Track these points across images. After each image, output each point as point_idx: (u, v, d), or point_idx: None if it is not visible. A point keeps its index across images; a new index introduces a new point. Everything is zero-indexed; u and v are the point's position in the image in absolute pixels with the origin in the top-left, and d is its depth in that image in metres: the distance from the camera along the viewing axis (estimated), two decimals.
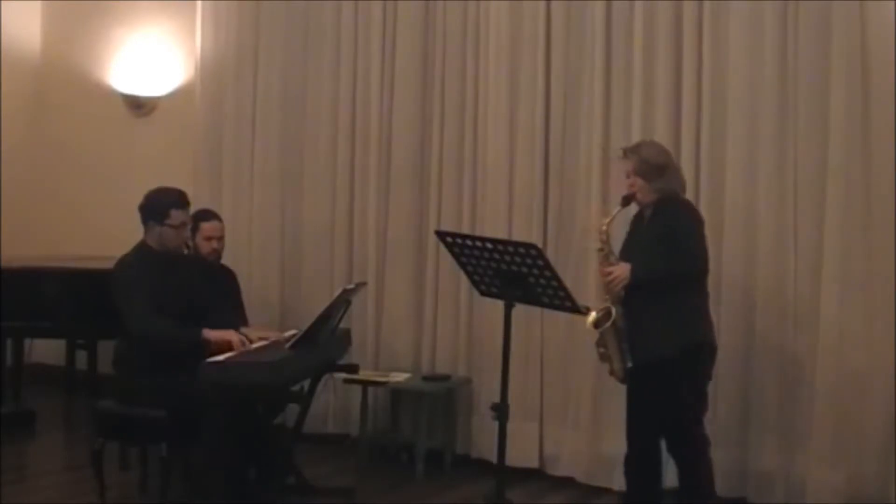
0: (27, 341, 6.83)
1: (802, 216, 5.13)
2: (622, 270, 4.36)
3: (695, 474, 4.43)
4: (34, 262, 6.45)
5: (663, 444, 4.52)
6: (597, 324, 4.40)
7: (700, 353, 4.40)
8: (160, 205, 4.86)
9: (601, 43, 5.57)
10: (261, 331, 5.22)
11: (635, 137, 5.43)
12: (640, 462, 4.53)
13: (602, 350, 4.48)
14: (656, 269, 4.30)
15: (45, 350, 7.39)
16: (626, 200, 4.51)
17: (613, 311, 4.38)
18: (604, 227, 4.50)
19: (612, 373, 4.52)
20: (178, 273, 4.90)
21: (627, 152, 4.56)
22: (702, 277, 4.42)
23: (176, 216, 4.85)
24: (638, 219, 4.58)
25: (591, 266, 5.55)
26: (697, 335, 4.38)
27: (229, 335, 4.78)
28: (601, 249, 4.49)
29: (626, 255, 4.51)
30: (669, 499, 4.64)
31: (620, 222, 4.72)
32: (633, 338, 4.40)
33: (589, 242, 5.21)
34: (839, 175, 5.00)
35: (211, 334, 4.74)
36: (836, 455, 5.00)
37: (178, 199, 4.91)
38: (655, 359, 4.32)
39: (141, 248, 4.93)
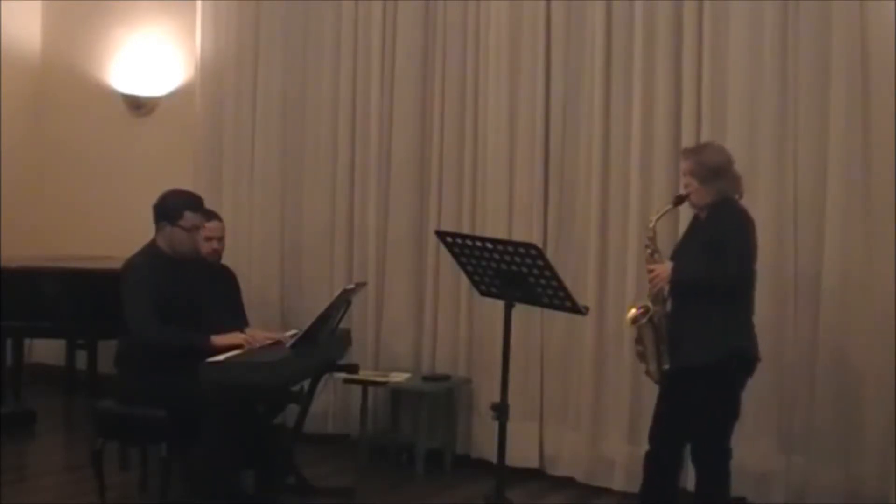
0: (27, 341, 6.84)
1: (802, 216, 5.13)
2: (663, 269, 4.32)
3: (714, 484, 4.38)
4: (34, 262, 6.45)
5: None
6: (634, 320, 4.37)
7: (733, 363, 4.31)
8: (174, 205, 4.82)
9: (601, 43, 5.57)
10: (261, 331, 5.21)
11: (635, 137, 5.45)
12: (660, 462, 4.49)
13: (640, 348, 4.43)
14: (696, 273, 4.24)
15: (45, 350, 7.40)
16: (679, 200, 4.45)
17: (652, 308, 4.36)
18: (651, 225, 4.45)
19: (647, 373, 4.47)
20: (183, 275, 4.87)
21: (686, 153, 4.51)
22: (745, 287, 4.32)
23: (189, 218, 4.81)
24: (694, 220, 4.52)
25: (591, 266, 5.57)
26: (733, 345, 4.28)
27: (237, 340, 4.77)
28: (647, 246, 4.43)
29: (676, 254, 4.47)
30: (683, 500, 4.63)
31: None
32: (673, 341, 4.35)
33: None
34: (839, 175, 5.00)
35: (219, 340, 4.71)
36: (836, 455, 5.00)
37: (193, 201, 4.88)
38: (693, 364, 4.27)
39: (149, 248, 4.89)
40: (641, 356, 4.44)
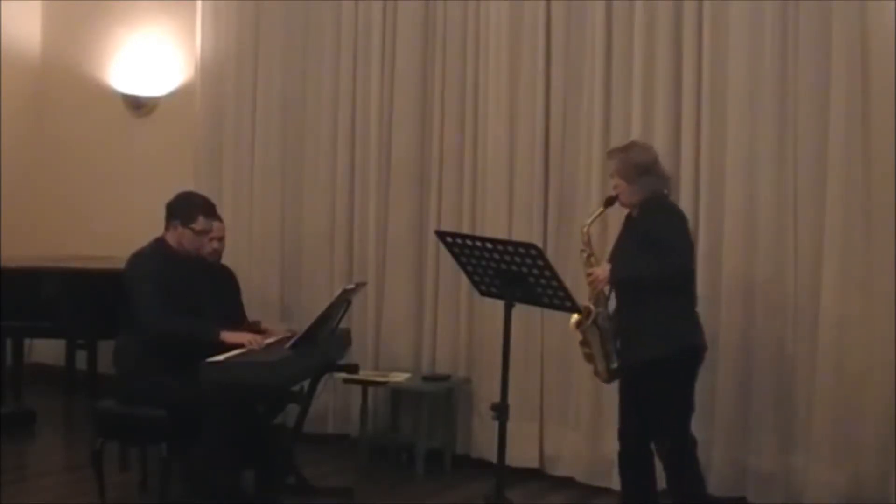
0: (27, 341, 6.84)
1: (802, 216, 5.13)
2: (601, 271, 4.39)
3: (682, 475, 4.42)
4: (34, 262, 6.46)
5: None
6: (578, 324, 4.44)
7: (688, 355, 4.38)
8: (190, 207, 4.94)
9: (601, 43, 5.57)
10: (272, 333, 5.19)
11: (635, 137, 5.44)
12: (631, 460, 4.53)
13: (586, 350, 4.50)
14: (636, 270, 4.31)
15: (45, 350, 7.40)
16: (609, 201, 4.53)
17: (593, 310, 4.41)
18: (585, 229, 4.52)
19: (596, 373, 4.55)
20: (184, 274, 4.91)
21: (611, 153, 4.60)
22: (687, 279, 4.40)
23: (202, 222, 4.94)
24: (627, 220, 4.58)
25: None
26: (686, 338, 4.36)
27: (244, 339, 4.78)
28: (583, 250, 4.52)
29: (613, 255, 4.53)
30: (665, 499, 4.64)
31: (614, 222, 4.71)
32: (622, 339, 4.43)
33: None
34: (839, 175, 5.00)
35: (228, 337, 4.74)
36: (835, 455, 5.00)
37: (208, 207, 5.04)
38: (645, 361, 4.32)
39: (157, 243, 4.96)
40: (589, 358, 4.51)
